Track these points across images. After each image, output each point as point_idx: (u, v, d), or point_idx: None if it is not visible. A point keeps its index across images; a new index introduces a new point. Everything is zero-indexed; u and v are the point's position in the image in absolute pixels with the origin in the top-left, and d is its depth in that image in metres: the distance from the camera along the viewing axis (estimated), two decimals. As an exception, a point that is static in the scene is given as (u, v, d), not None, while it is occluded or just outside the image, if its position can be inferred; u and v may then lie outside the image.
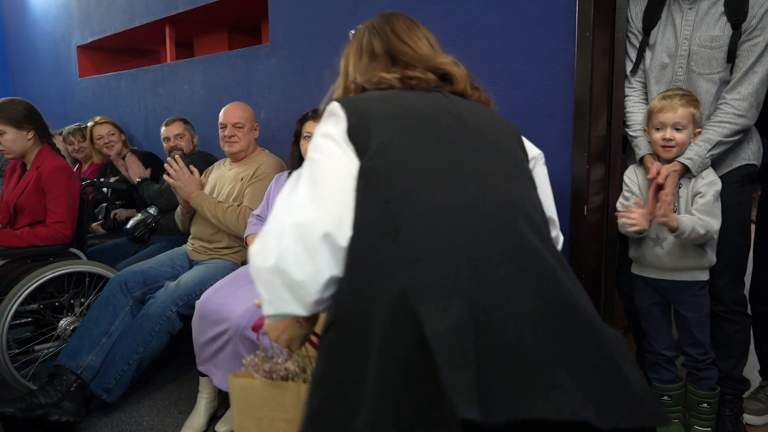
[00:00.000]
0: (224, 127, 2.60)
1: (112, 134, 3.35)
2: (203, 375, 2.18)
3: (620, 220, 1.72)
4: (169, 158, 2.49)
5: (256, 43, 3.95)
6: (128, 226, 2.99)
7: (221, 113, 2.64)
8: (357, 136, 0.93)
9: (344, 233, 0.84)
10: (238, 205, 2.51)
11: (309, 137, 2.30)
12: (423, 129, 0.95)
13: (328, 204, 0.85)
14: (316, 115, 2.34)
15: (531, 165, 1.08)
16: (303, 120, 2.36)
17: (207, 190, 2.68)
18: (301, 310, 0.85)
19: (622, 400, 0.72)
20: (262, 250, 0.86)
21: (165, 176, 2.48)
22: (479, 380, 0.67)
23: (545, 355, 0.72)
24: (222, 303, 2.10)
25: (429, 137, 0.94)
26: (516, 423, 0.66)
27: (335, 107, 0.98)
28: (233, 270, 2.47)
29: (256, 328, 1.31)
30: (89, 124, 3.43)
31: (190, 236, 2.68)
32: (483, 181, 0.89)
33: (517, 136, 1.08)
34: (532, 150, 1.11)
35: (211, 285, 2.34)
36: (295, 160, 2.39)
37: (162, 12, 3.81)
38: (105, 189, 3.08)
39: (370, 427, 0.69)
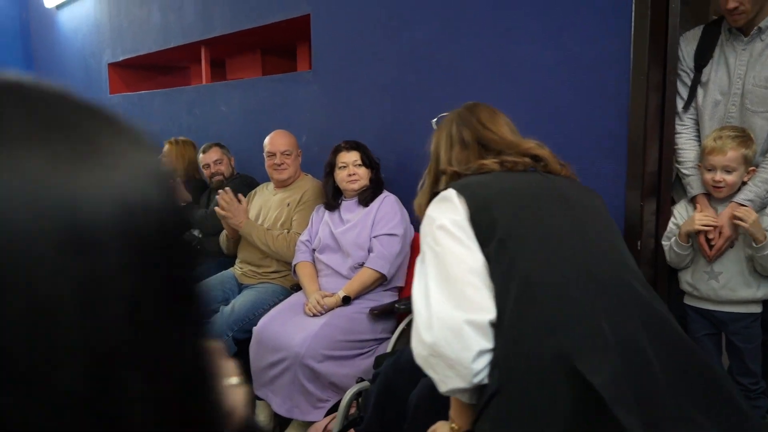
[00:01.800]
0: (273, 155, 2.67)
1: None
2: (260, 399, 2.25)
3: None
4: (221, 191, 2.57)
5: (291, 65, 4.04)
6: (174, 248, 3.07)
7: (268, 141, 2.71)
8: (481, 220, 1.05)
9: (484, 314, 0.97)
10: (288, 232, 2.58)
11: (344, 167, 2.38)
12: (535, 207, 1.09)
13: (461, 299, 0.99)
14: (348, 146, 2.43)
15: None
16: (336, 151, 2.44)
17: (252, 214, 2.76)
18: (463, 383, 0.97)
19: (744, 430, 0.85)
20: (420, 342, 1.00)
21: (216, 208, 2.56)
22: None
23: (679, 394, 0.85)
24: (278, 331, 2.17)
25: (542, 214, 1.08)
26: None
27: (451, 194, 1.09)
28: (283, 294, 2.55)
29: None
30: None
31: (238, 260, 2.76)
32: (596, 248, 1.04)
33: (603, 203, 1.22)
34: None
35: (264, 309, 2.43)
36: (330, 190, 2.46)
37: (198, 35, 3.89)
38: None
39: None
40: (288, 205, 2.68)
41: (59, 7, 5.89)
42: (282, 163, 2.66)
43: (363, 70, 2.84)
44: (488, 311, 0.97)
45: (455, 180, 1.19)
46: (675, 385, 0.85)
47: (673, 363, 0.88)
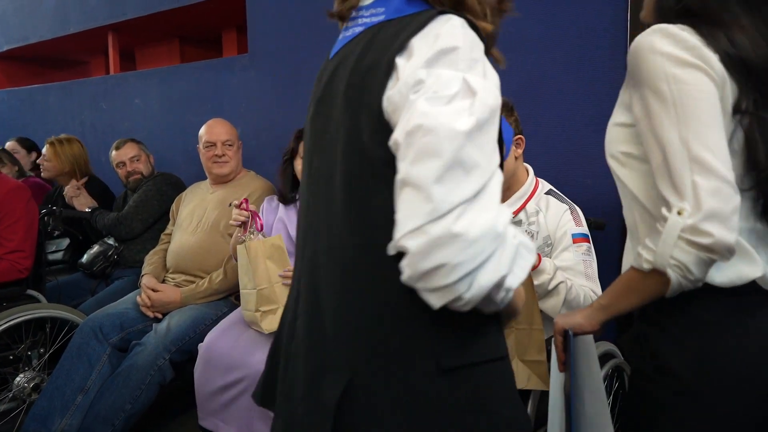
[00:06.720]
0: (212, 145, 2.31)
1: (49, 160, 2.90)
2: (207, 431, 1.87)
3: None
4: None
5: (213, 55, 3.65)
6: (84, 260, 2.58)
7: (205, 131, 2.35)
8: None
9: None
10: (226, 263, 2.21)
11: None
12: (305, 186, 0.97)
13: None
14: None
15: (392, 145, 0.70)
16: (300, 137, 2.14)
17: (183, 216, 2.38)
18: None
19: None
20: None
21: (143, 308, 2.16)
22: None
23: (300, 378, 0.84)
24: (233, 347, 1.82)
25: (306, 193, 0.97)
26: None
27: None
28: (227, 306, 2.19)
29: None
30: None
31: (169, 270, 2.35)
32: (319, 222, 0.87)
33: (352, 168, 0.77)
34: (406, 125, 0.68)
35: (207, 325, 2.07)
36: (288, 181, 2.14)
37: (104, 19, 3.42)
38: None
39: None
40: (231, 205, 2.31)
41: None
42: (223, 155, 2.31)
43: (308, 50, 2.55)
44: None
45: None
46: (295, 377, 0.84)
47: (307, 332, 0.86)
